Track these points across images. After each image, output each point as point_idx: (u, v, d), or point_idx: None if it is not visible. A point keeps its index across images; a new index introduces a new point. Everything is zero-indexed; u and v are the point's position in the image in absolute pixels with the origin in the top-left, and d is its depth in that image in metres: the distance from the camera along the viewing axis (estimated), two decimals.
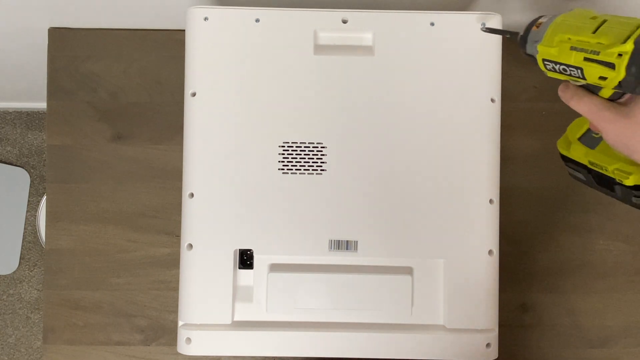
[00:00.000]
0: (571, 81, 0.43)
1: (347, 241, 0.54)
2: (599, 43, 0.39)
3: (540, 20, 0.44)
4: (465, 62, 0.55)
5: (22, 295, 1.36)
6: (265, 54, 0.55)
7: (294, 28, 0.55)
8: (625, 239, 0.69)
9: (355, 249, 0.54)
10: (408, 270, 0.54)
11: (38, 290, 1.36)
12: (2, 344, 1.34)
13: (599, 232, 0.69)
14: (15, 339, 1.35)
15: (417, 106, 0.54)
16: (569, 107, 0.47)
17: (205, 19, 0.55)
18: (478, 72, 0.55)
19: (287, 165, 0.54)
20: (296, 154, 0.54)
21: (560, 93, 0.45)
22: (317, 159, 0.54)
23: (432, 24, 0.55)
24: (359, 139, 0.54)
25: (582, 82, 0.41)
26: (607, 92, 0.42)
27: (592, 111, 0.42)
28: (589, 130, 0.47)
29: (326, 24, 0.55)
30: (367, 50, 0.55)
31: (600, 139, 0.46)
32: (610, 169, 0.44)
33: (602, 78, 0.39)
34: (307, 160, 0.54)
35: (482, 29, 0.53)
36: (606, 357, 0.67)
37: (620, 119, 0.41)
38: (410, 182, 0.54)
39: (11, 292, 1.36)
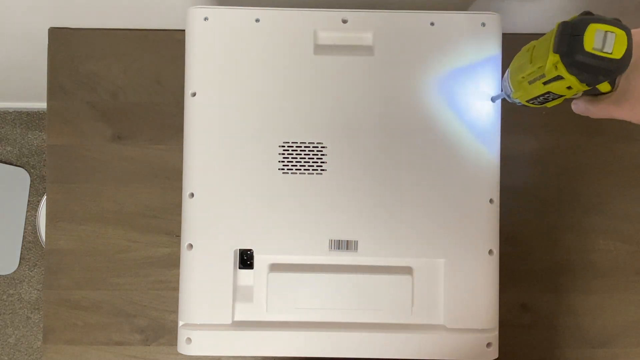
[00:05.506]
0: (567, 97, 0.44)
1: (347, 241, 0.54)
2: (539, 68, 0.41)
3: (505, 74, 0.49)
4: (465, 62, 0.55)
5: (22, 295, 1.36)
6: (265, 54, 0.55)
7: (294, 28, 0.55)
8: (625, 239, 0.69)
9: (355, 248, 0.54)
10: (408, 270, 0.54)
11: (38, 290, 1.36)
12: (2, 344, 1.34)
13: (599, 232, 0.69)
14: (15, 339, 1.35)
15: (417, 106, 0.54)
16: (567, 107, 0.47)
17: (205, 19, 0.55)
18: (478, 72, 0.55)
19: (287, 165, 0.54)
20: (296, 154, 0.54)
21: (576, 111, 0.47)
22: (317, 158, 0.54)
23: (432, 24, 0.55)
24: (359, 138, 0.54)
25: (571, 95, 0.42)
26: (604, 87, 0.42)
27: (608, 112, 0.44)
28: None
29: (326, 24, 0.55)
30: (367, 50, 0.55)
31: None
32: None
33: (569, 88, 0.40)
34: (307, 160, 0.54)
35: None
36: (606, 357, 0.67)
37: (624, 103, 0.42)
38: (410, 181, 0.54)
39: (11, 292, 1.36)
